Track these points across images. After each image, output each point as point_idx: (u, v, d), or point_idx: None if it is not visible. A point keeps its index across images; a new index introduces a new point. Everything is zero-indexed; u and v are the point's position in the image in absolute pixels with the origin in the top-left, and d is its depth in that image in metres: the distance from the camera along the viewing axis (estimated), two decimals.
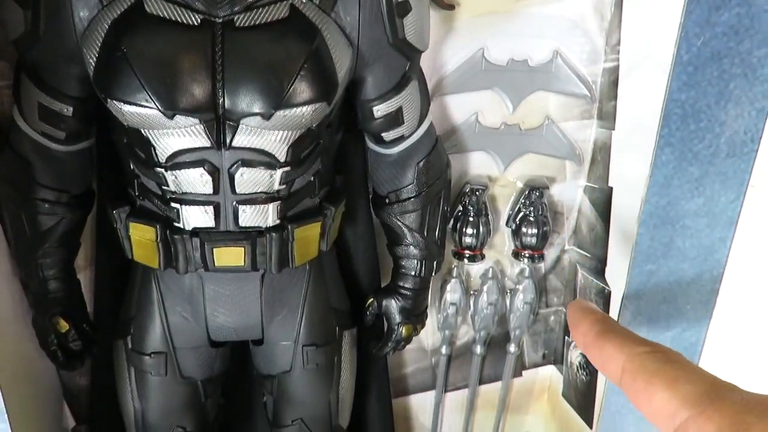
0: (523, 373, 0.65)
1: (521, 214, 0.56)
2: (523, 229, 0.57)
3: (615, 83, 0.50)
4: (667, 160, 0.35)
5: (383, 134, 0.46)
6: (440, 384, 0.64)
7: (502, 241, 0.58)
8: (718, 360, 0.48)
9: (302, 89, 0.38)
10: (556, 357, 0.64)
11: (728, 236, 0.37)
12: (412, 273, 0.51)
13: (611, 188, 0.50)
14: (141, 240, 0.43)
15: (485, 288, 0.59)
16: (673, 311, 0.41)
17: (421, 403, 0.64)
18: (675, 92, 0.33)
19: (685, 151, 0.35)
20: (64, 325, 0.47)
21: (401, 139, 0.47)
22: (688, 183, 0.36)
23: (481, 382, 0.64)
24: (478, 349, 0.62)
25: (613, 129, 0.51)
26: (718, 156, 0.35)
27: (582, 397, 0.60)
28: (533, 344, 0.64)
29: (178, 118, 0.37)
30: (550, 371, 0.65)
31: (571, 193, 0.57)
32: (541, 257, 0.58)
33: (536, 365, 0.65)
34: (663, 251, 0.38)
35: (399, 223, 0.49)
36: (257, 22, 0.37)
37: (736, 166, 0.35)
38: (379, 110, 0.44)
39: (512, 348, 0.62)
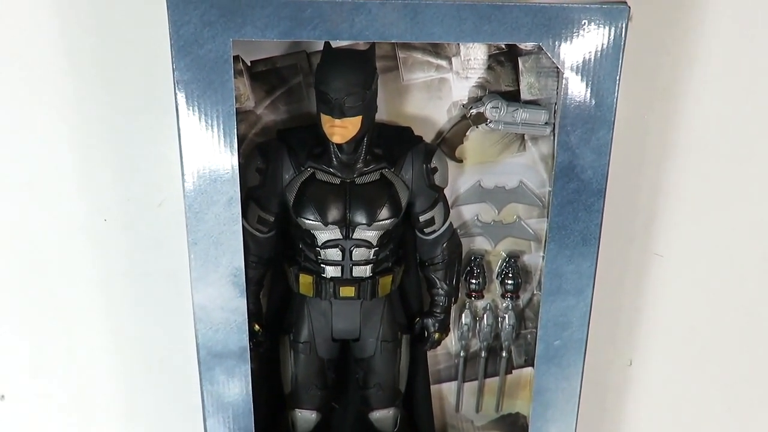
0: (513, 371, 1.03)
1: (505, 272, 0.97)
2: (507, 281, 0.97)
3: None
4: (554, 248, 0.76)
5: (424, 229, 0.88)
6: (460, 376, 1.03)
7: (495, 287, 0.99)
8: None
9: (385, 213, 0.81)
10: (532, 361, 1.03)
11: (590, 283, 0.77)
12: (440, 303, 0.92)
13: None
14: (304, 282, 0.86)
15: (485, 316, 0.99)
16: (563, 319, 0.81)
17: (448, 389, 1.03)
18: (554, 218, 0.75)
19: (562, 245, 0.75)
20: (258, 328, 0.90)
21: (434, 231, 0.89)
22: (566, 258, 0.76)
23: (485, 376, 1.03)
24: (483, 354, 1.01)
25: None
26: (578, 246, 0.75)
27: None
28: (518, 352, 1.02)
29: (329, 225, 0.81)
30: (529, 371, 1.03)
31: (535, 260, 0.97)
32: (518, 297, 0.98)
33: (521, 366, 1.03)
34: (556, 289, 0.78)
35: (432, 277, 0.91)
36: (365, 182, 0.81)
37: (587, 251, 0.75)
38: (422, 218, 0.87)
39: (504, 354, 1.01)
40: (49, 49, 0.86)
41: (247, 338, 0.80)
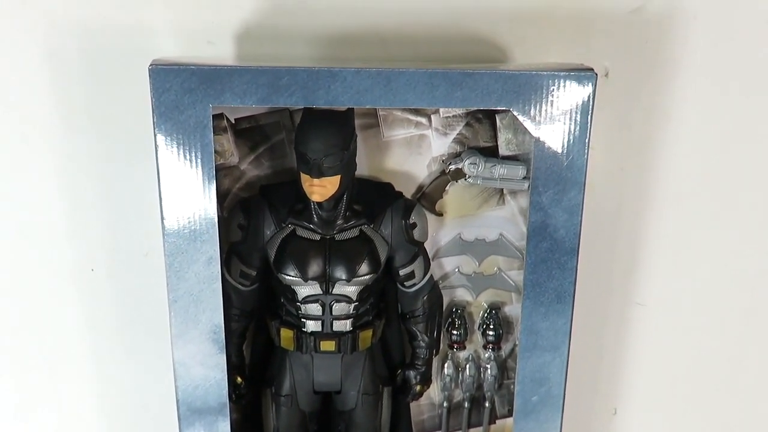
0: (497, 421, 1.04)
1: (486, 323, 0.98)
2: (488, 332, 0.98)
3: None
4: (529, 305, 0.77)
5: (404, 282, 0.90)
6: (444, 427, 1.03)
7: (477, 338, 0.99)
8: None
9: (364, 269, 0.82)
10: None
11: (566, 340, 0.78)
12: (422, 356, 0.93)
13: None
14: (285, 336, 0.87)
15: (467, 366, 0.99)
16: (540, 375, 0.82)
17: None
18: (528, 275, 0.76)
19: (537, 302, 0.76)
20: (240, 381, 0.91)
21: (414, 284, 0.90)
22: (541, 315, 0.77)
23: (469, 426, 1.03)
24: (466, 405, 1.01)
25: None
26: (552, 304, 0.76)
27: None
28: (501, 402, 1.03)
29: (309, 281, 0.82)
30: (512, 421, 1.03)
31: (516, 310, 0.98)
32: (500, 348, 0.99)
33: (504, 416, 1.03)
34: (532, 345, 0.79)
35: (413, 329, 0.92)
36: (345, 238, 0.83)
37: (562, 308, 0.77)
38: (402, 272, 0.88)
39: (487, 404, 1.02)
40: (39, 101, 0.88)
41: (226, 394, 0.81)
